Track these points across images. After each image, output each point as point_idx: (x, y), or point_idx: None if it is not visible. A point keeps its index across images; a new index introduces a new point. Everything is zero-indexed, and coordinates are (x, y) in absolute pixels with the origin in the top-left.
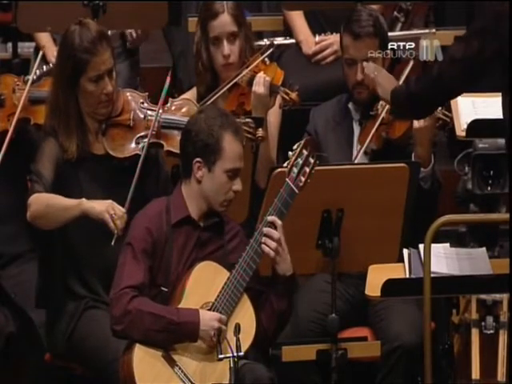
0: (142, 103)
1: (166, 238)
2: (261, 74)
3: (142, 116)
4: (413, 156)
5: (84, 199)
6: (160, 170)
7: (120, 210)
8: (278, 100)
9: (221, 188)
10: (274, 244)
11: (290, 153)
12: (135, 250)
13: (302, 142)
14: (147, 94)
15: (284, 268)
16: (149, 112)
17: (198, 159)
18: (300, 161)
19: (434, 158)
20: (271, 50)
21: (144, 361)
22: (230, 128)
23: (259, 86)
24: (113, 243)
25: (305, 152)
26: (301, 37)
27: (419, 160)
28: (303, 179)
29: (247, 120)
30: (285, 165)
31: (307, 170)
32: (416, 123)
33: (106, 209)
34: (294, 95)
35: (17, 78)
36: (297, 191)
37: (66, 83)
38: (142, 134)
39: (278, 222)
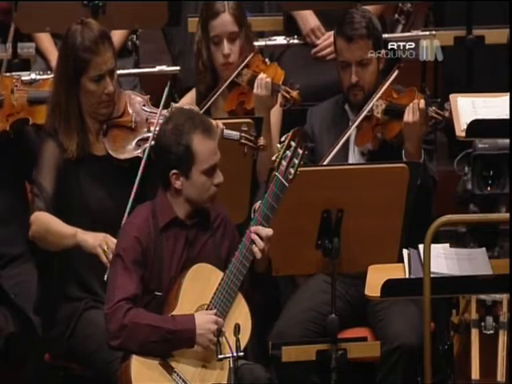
0: (144, 105)
1: (155, 243)
2: (261, 76)
3: (143, 118)
4: (403, 152)
5: (79, 230)
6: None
7: (113, 243)
8: (279, 99)
9: (202, 188)
10: (262, 244)
11: (279, 145)
12: (125, 261)
13: (290, 133)
14: (149, 96)
15: (264, 264)
16: (150, 115)
17: (173, 171)
18: (289, 153)
19: (426, 154)
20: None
21: (142, 369)
22: (197, 129)
23: (260, 88)
24: (105, 278)
25: (293, 144)
26: (299, 14)
27: (409, 157)
28: (293, 171)
29: (247, 122)
30: (273, 158)
31: (296, 161)
32: (406, 117)
33: (100, 243)
34: (295, 94)
35: (15, 79)
36: (287, 184)
37: (67, 82)
38: (144, 136)
39: (269, 233)
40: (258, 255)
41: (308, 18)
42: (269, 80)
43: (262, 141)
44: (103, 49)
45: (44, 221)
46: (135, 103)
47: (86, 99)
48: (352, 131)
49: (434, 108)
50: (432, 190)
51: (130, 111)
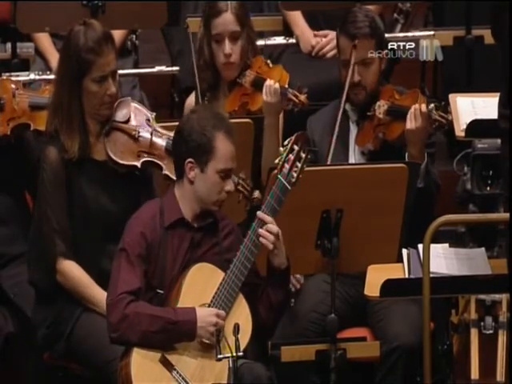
0: (148, 120)
1: (160, 240)
2: (270, 83)
3: (146, 132)
4: (406, 156)
5: None
6: (152, 191)
7: None
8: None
9: (213, 188)
10: (271, 237)
11: (281, 149)
12: (130, 255)
13: (293, 137)
14: (155, 114)
15: (280, 261)
16: (154, 132)
17: (190, 159)
18: (291, 156)
19: (428, 158)
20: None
21: (142, 366)
22: (222, 128)
23: (270, 95)
24: None
25: (296, 147)
26: (298, 31)
27: (413, 160)
28: (295, 175)
29: (244, 177)
30: (276, 161)
31: (299, 165)
32: (408, 124)
33: None
34: (302, 97)
35: (16, 83)
36: (289, 187)
37: (69, 83)
38: (145, 149)
39: (268, 219)
40: (270, 246)
41: (307, 37)
42: (277, 86)
43: (256, 194)
44: (106, 50)
45: (73, 280)
46: (141, 115)
47: (88, 100)
48: (353, 130)
49: (438, 111)
50: (435, 194)
51: (135, 122)
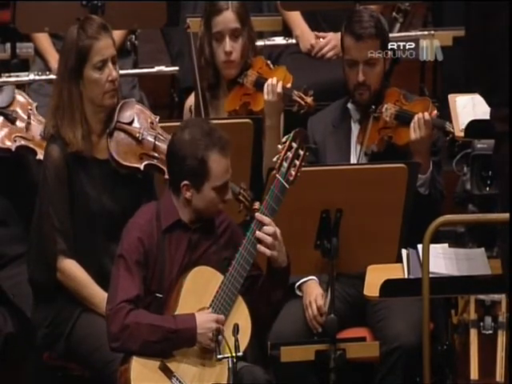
0: (152, 123)
1: (157, 244)
2: (270, 82)
3: (150, 136)
4: None
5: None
6: (153, 191)
7: None
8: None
9: (211, 203)
10: (270, 239)
11: (279, 147)
12: (128, 262)
13: (291, 134)
14: (158, 118)
15: (280, 260)
16: (158, 136)
17: (185, 182)
18: (290, 154)
19: (434, 166)
20: None
21: (141, 373)
22: (214, 147)
23: (271, 94)
24: None
25: (294, 145)
26: (297, 31)
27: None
28: (294, 173)
29: (245, 187)
30: (274, 159)
31: (297, 163)
32: (412, 135)
33: None
34: (309, 100)
35: (30, 104)
36: (287, 186)
37: (69, 77)
38: (149, 153)
39: (266, 220)
40: (268, 252)
41: (307, 37)
42: (279, 85)
43: (257, 204)
44: (104, 35)
45: (75, 280)
46: (145, 118)
47: (91, 91)
48: (355, 129)
49: (450, 124)
50: (439, 202)
51: (138, 124)
